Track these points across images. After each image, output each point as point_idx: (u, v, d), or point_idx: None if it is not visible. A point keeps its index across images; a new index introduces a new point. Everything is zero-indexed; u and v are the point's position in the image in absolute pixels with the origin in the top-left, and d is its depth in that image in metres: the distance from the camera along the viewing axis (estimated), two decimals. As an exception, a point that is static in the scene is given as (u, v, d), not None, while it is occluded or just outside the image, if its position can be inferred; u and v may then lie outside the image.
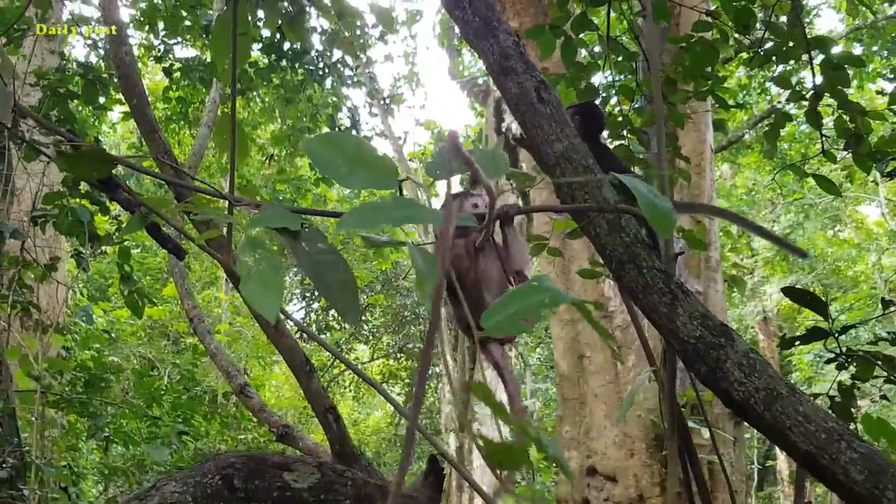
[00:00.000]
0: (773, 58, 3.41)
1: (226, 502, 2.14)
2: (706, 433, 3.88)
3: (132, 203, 2.29)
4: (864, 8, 12.68)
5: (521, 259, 2.28)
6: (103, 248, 6.58)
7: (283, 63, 8.79)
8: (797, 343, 2.50)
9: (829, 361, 2.51)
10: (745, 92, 12.71)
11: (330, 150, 1.49)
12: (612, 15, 3.62)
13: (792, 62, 3.72)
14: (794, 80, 3.61)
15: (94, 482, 9.11)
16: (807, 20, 12.72)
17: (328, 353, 15.57)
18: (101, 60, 7.88)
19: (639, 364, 5.94)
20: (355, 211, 1.25)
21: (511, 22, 6.56)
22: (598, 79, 3.90)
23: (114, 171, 2.20)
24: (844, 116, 3.37)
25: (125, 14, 8.48)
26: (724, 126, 5.21)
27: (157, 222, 2.28)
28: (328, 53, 8.84)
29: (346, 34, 7.17)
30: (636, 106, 3.87)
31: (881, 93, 7.93)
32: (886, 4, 12.05)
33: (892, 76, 12.19)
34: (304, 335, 14.78)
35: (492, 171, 1.43)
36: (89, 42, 7.95)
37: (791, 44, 3.31)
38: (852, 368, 2.48)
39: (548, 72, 4.47)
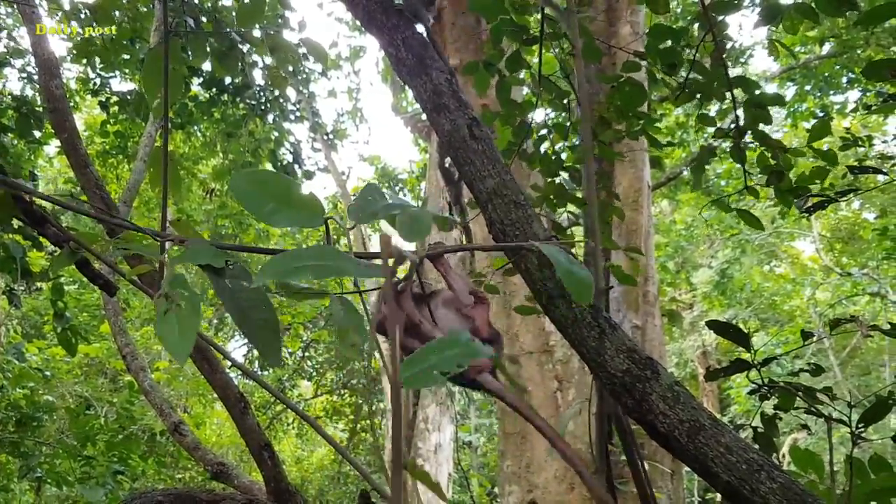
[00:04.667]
0: (698, 96, 3.49)
1: (151, 542, 2.09)
2: (644, 466, 3.90)
3: (61, 238, 2.25)
4: (798, 48, 13.12)
5: (464, 295, 2.26)
6: (38, 284, 6.45)
7: (224, 97, 8.75)
8: (721, 374, 2.55)
9: (751, 392, 2.56)
10: (682, 130, 13.00)
11: (256, 187, 1.49)
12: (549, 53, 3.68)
13: (723, 101, 3.81)
14: (729, 118, 3.70)
15: (26, 524, 8.87)
16: (741, 60, 13.08)
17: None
18: (36, 94, 7.78)
19: (579, 398, 5.97)
20: (273, 260, 1.24)
21: (451, 59, 6.62)
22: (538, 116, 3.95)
23: (45, 206, 2.17)
24: (766, 153, 3.46)
25: (62, 47, 8.40)
26: (662, 163, 5.32)
27: (87, 258, 2.24)
28: (270, 88, 8.82)
29: (286, 68, 7.17)
30: (570, 144, 3.93)
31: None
32: (817, 45, 12.45)
33: (823, 115, 12.56)
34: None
35: (410, 234, 1.44)
36: (24, 75, 7.84)
37: (715, 83, 3.39)
38: (775, 399, 2.54)
39: (488, 108, 4.53)
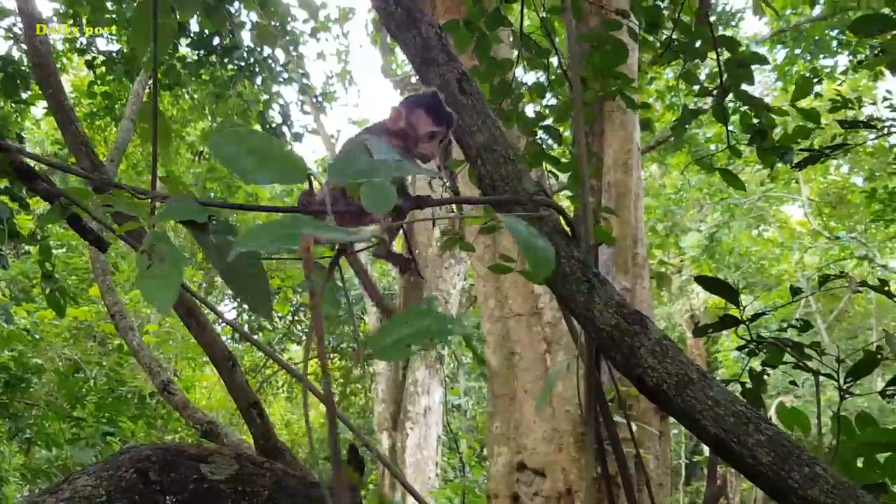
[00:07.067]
0: (682, 56, 3.47)
1: (141, 496, 2.10)
2: (632, 427, 3.92)
3: (51, 193, 2.23)
4: (788, 11, 13.03)
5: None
6: (26, 247, 6.41)
7: (213, 58, 8.66)
8: (710, 330, 2.55)
9: (739, 349, 2.57)
10: (673, 93, 12.94)
11: (235, 145, 1.46)
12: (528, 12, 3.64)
13: (705, 60, 3.78)
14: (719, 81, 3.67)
15: (17, 486, 8.90)
16: (732, 23, 13.00)
17: (261, 354, 15.42)
18: (23, 56, 7.68)
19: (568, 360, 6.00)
20: (249, 231, 1.21)
21: (441, 19, 6.56)
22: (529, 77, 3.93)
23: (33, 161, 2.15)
24: (750, 112, 3.45)
25: (48, 8, 8.28)
26: (651, 125, 5.30)
27: (77, 213, 2.23)
28: (258, 49, 8.73)
29: (272, 22, 7.06)
30: (554, 103, 3.90)
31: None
32: (808, 6, 12.36)
33: (814, 77, 12.50)
34: (238, 335, 14.61)
35: (373, 205, 1.38)
36: (10, 35, 7.74)
37: (699, 42, 3.37)
38: (763, 355, 2.55)
39: (476, 69, 4.49)
